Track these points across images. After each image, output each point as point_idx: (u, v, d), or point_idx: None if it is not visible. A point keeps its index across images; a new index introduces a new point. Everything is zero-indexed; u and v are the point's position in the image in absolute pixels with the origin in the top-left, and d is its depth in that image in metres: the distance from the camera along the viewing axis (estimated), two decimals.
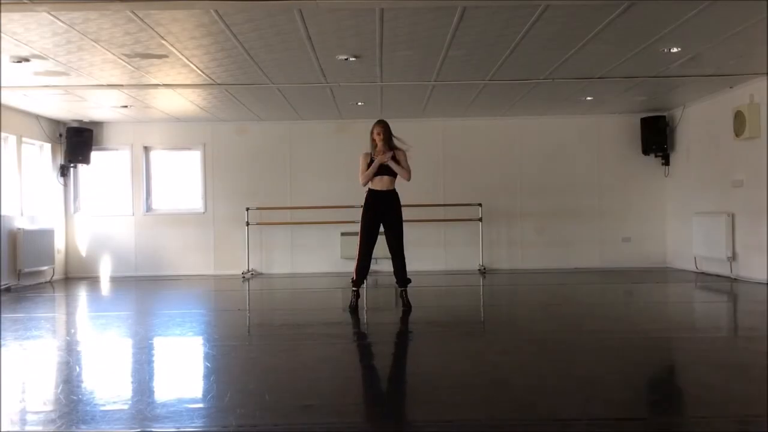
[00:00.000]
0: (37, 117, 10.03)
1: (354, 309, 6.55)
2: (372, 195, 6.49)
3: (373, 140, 6.49)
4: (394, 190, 6.53)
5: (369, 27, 5.83)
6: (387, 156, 6.36)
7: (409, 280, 6.62)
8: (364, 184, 6.52)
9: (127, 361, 4.88)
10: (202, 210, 11.00)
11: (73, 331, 6.22)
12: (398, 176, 6.46)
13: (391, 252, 6.55)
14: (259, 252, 10.84)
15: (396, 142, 6.52)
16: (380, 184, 6.45)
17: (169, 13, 5.39)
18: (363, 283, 6.69)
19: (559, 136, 10.94)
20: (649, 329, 5.74)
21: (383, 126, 6.47)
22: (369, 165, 6.43)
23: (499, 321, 6.71)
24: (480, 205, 10.56)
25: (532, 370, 4.29)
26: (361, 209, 6.57)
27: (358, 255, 6.54)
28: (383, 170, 6.42)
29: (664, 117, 10.55)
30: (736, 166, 8.78)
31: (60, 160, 10.67)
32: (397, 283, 6.61)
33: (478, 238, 10.65)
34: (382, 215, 6.49)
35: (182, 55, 6.59)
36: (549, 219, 10.93)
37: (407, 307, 6.50)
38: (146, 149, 11.07)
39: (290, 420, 3.24)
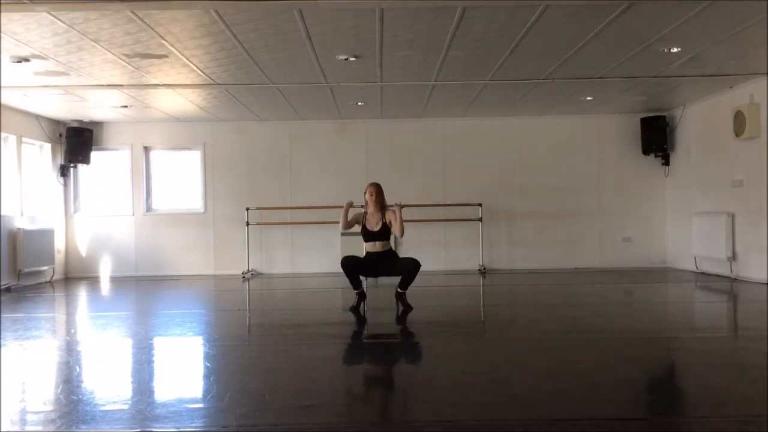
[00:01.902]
0: (37, 117, 10.03)
1: (355, 309, 6.55)
2: (368, 256, 6.70)
3: (365, 199, 6.70)
4: (390, 249, 6.73)
5: (369, 27, 5.83)
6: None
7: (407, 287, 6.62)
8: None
9: (127, 361, 4.89)
10: (202, 210, 10.99)
11: (73, 331, 6.22)
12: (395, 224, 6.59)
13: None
14: (259, 252, 10.84)
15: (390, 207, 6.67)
16: (374, 248, 6.65)
17: (169, 13, 5.39)
18: (360, 284, 6.64)
19: (559, 136, 10.93)
20: (649, 329, 5.75)
21: (375, 188, 6.67)
22: (349, 217, 6.62)
23: (499, 321, 6.72)
24: (480, 205, 10.56)
25: (532, 370, 4.29)
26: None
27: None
28: (376, 236, 6.61)
29: (664, 117, 10.55)
30: (736, 166, 8.77)
31: (60, 160, 10.67)
32: (399, 285, 6.61)
33: (478, 238, 10.65)
34: (380, 269, 6.69)
35: (182, 55, 6.59)
36: (549, 219, 10.92)
37: (407, 308, 6.50)
38: (146, 149, 11.07)
39: (290, 420, 3.24)
